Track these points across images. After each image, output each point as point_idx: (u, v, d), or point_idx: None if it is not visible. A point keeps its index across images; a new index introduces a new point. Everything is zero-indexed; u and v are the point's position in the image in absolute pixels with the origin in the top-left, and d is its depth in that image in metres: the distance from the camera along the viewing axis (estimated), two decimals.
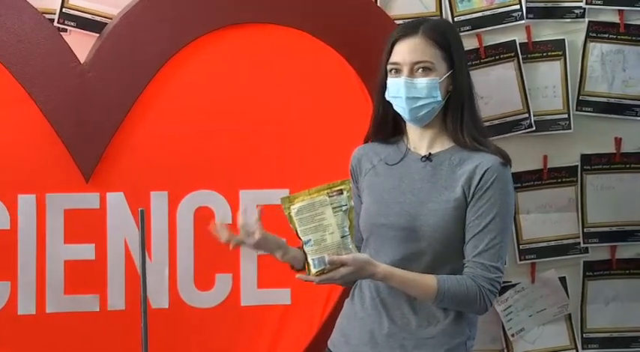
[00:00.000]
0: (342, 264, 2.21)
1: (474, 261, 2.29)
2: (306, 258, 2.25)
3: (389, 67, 2.39)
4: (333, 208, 2.24)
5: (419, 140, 2.41)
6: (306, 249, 2.24)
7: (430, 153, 2.38)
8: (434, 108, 2.36)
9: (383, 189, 2.41)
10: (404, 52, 2.36)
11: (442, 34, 2.37)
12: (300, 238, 2.25)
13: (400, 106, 2.37)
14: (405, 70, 2.35)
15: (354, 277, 2.27)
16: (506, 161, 2.35)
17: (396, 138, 2.46)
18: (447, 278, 2.28)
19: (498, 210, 2.29)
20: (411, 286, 2.29)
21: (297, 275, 2.27)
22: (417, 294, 2.30)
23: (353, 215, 2.26)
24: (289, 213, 2.25)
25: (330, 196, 2.24)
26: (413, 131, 2.42)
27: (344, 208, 2.24)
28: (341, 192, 2.25)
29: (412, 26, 2.39)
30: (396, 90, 2.36)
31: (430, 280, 2.28)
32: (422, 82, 2.34)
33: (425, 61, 2.34)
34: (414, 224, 2.32)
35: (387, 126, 2.45)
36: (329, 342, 2.49)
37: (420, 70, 2.35)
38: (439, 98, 2.34)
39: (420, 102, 2.35)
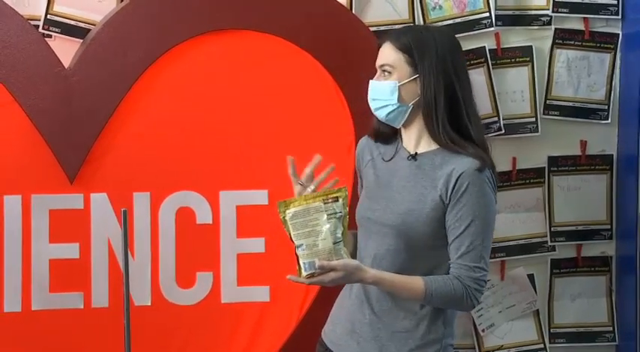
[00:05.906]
0: (332, 269, 2.26)
1: (457, 263, 2.33)
2: (298, 261, 2.27)
3: None
4: (328, 215, 2.26)
5: (407, 139, 2.44)
6: (298, 252, 2.26)
7: (416, 153, 2.41)
8: (398, 111, 2.39)
9: (375, 184, 2.45)
10: (378, 56, 2.43)
11: (407, 40, 2.38)
12: (292, 242, 2.28)
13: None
14: (377, 73, 2.43)
15: (344, 281, 2.33)
16: (484, 165, 2.35)
17: (395, 137, 2.49)
18: (434, 280, 2.32)
19: (477, 212, 2.32)
20: (399, 289, 2.33)
21: (288, 276, 2.30)
22: (406, 297, 2.35)
23: (347, 221, 2.30)
24: (284, 217, 2.27)
25: (325, 203, 2.26)
26: (402, 130, 2.45)
27: (338, 215, 2.27)
28: (337, 199, 2.27)
29: (390, 32, 2.45)
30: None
31: (418, 282, 2.32)
32: (380, 84, 2.40)
33: (385, 64, 2.39)
34: (394, 222, 2.36)
35: (385, 129, 2.47)
36: (322, 331, 2.53)
37: (382, 74, 2.40)
38: (395, 101, 2.37)
39: (380, 104, 2.40)
